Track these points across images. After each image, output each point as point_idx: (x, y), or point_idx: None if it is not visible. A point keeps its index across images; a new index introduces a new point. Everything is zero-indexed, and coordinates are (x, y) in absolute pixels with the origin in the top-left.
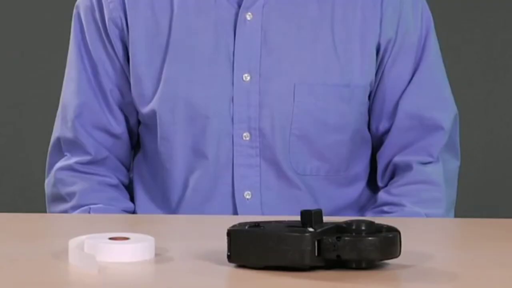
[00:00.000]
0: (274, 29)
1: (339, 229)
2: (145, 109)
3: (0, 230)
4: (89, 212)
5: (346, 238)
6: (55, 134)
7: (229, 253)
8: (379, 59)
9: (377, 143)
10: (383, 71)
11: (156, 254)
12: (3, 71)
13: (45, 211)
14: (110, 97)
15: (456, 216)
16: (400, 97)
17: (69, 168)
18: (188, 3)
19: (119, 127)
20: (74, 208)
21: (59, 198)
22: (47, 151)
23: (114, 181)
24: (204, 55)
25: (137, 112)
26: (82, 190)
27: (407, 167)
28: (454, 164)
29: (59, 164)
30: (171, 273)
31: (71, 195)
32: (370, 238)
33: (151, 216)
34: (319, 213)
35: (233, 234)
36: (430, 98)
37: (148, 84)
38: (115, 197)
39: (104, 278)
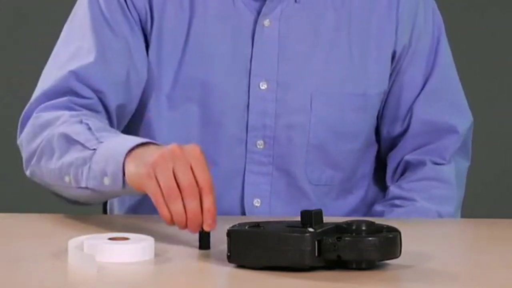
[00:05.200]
0: (291, 36)
1: (339, 229)
2: (156, 109)
3: (0, 230)
4: (81, 122)
5: (347, 239)
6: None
7: (229, 253)
8: (393, 65)
9: (388, 146)
10: (396, 76)
11: (155, 255)
12: (4, 71)
13: (45, 211)
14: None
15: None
16: (414, 102)
17: (45, 108)
18: (208, 7)
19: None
20: (62, 124)
21: (36, 133)
22: None
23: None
24: (221, 61)
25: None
26: (61, 114)
27: (420, 163)
28: (464, 164)
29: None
30: (171, 273)
31: (50, 121)
32: (370, 239)
33: (151, 216)
34: (319, 213)
35: (233, 234)
36: (444, 105)
37: (164, 81)
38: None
39: (104, 278)
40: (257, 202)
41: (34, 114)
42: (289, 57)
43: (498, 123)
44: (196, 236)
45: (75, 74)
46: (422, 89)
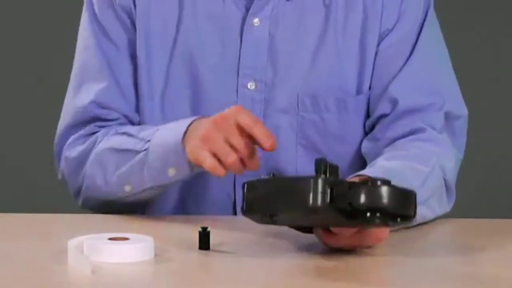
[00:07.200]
0: (280, 36)
1: (353, 184)
2: (146, 107)
3: (0, 230)
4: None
5: (360, 185)
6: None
7: (243, 206)
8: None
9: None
10: (375, 60)
11: (155, 255)
12: (4, 72)
13: (45, 211)
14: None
15: (456, 216)
16: (390, 83)
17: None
18: (198, 6)
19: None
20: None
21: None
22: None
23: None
24: (209, 60)
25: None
26: (93, 138)
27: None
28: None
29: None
30: (170, 273)
31: (86, 149)
32: (384, 187)
33: (151, 216)
34: (334, 167)
35: (248, 184)
36: (418, 85)
37: (154, 81)
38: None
39: (104, 278)
40: None
41: (66, 152)
42: (278, 57)
43: (498, 122)
44: (196, 236)
45: (96, 103)
46: (399, 71)
